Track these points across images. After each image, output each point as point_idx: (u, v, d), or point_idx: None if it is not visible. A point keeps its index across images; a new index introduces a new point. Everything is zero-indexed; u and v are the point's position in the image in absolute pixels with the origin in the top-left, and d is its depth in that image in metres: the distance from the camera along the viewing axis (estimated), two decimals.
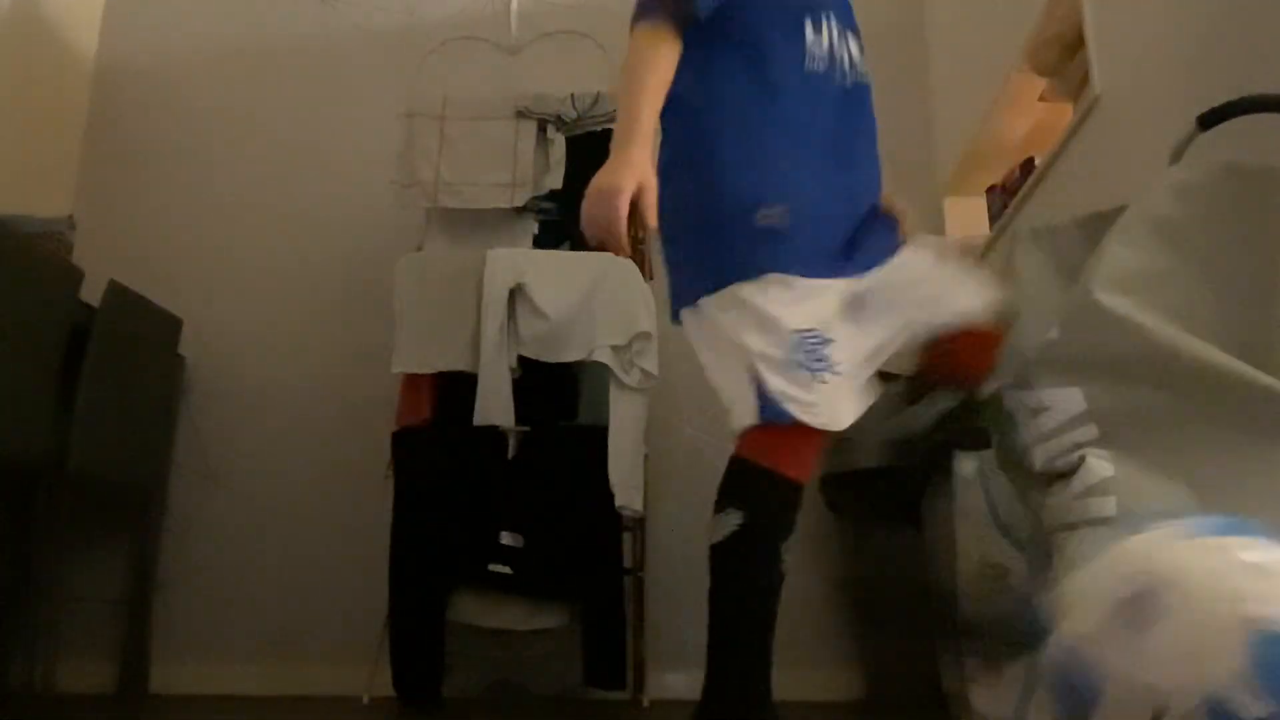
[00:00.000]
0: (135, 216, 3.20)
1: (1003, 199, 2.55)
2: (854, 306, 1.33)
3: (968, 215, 2.95)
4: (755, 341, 1.28)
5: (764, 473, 1.30)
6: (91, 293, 2.47)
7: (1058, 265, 1.16)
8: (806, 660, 2.73)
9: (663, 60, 1.32)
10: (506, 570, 2.39)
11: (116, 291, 2.53)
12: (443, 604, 2.50)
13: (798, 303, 1.29)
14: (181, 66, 3.35)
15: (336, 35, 3.36)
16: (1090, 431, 0.97)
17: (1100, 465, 0.95)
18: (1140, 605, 0.79)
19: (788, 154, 1.36)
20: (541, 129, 2.80)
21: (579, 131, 2.78)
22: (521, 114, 2.80)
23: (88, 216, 3.00)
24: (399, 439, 2.61)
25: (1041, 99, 2.43)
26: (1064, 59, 2.20)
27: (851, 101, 1.42)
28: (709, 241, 1.36)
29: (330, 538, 2.90)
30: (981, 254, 2.68)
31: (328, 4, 3.39)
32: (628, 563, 2.57)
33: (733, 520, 1.27)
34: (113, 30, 3.39)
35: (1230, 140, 1.11)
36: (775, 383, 1.26)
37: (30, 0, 3.07)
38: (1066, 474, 0.98)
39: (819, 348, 1.27)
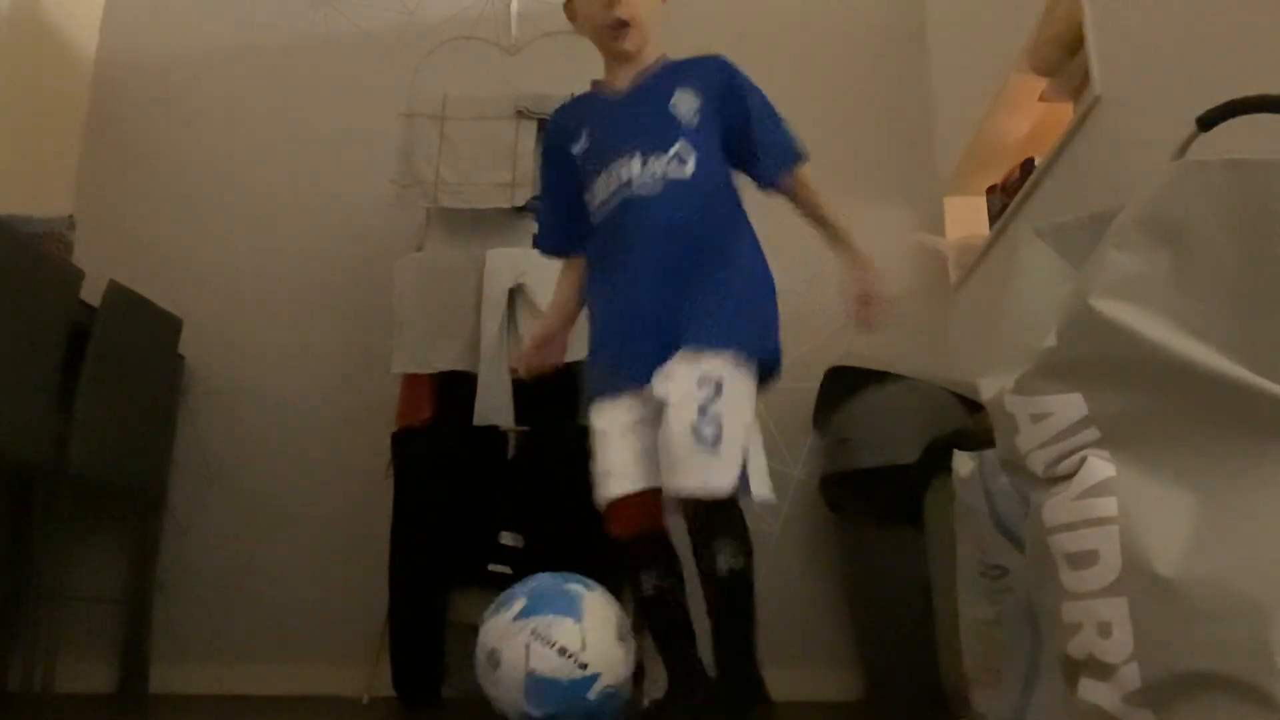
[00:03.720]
0: (135, 216, 3.20)
1: (1003, 199, 2.55)
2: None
3: (968, 215, 2.95)
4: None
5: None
6: (91, 293, 2.47)
7: (1062, 263, 1.14)
8: (806, 660, 2.73)
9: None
10: (506, 570, 2.39)
11: (116, 291, 2.53)
12: (443, 604, 2.50)
13: None
14: (181, 66, 3.35)
15: (336, 35, 3.36)
16: (1092, 434, 0.96)
17: (1102, 466, 0.94)
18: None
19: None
20: (542, 129, 2.79)
21: None
22: (521, 114, 2.80)
23: (88, 216, 3.00)
24: (399, 439, 2.61)
25: (1041, 99, 2.42)
26: (1064, 59, 2.20)
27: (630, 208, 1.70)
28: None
29: (330, 538, 2.90)
30: (981, 254, 2.68)
31: (327, 4, 3.39)
32: None
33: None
34: (113, 30, 3.39)
35: (1230, 140, 1.11)
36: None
37: (30, 0, 3.07)
38: (1067, 476, 0.97)
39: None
